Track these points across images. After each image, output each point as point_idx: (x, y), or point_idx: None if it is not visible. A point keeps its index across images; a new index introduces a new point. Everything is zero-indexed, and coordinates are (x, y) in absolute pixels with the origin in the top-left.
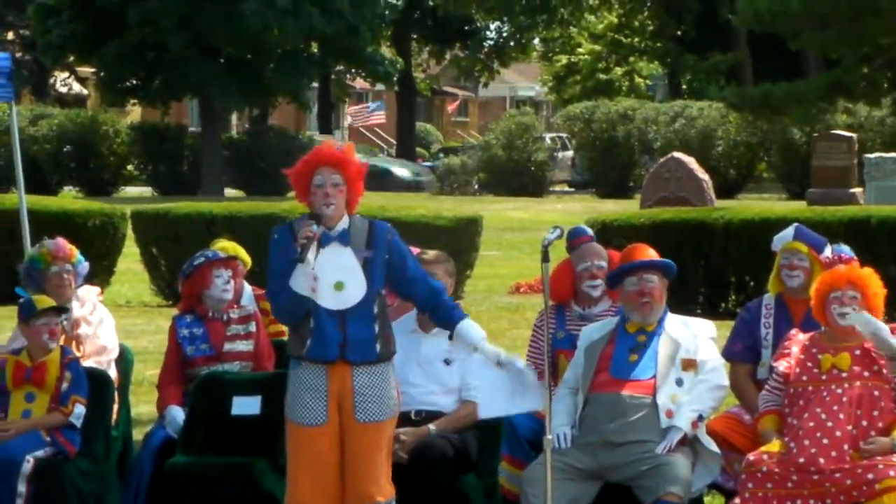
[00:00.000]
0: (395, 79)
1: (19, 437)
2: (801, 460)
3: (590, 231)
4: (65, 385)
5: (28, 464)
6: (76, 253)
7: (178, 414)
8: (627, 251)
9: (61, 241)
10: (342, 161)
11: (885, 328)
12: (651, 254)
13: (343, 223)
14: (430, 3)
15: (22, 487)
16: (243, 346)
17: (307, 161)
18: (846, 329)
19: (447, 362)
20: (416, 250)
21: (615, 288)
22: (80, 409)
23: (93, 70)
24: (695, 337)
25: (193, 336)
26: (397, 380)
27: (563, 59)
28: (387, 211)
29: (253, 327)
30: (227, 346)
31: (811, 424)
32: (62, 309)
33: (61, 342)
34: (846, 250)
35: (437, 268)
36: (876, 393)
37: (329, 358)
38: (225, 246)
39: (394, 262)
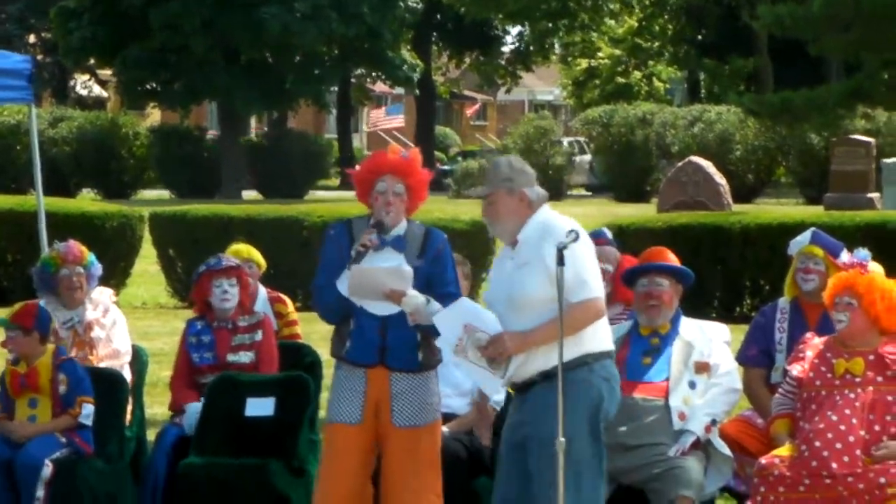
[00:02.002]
0: (415, 82)
1: (36, 441)
2: (814, 464)
3: (608, 234)
4: (62, 388)
5: (47, 468)
6: (88, 255)
7: (196, 410)
8: (646, 253)
9: (72, 244)
10: (407, 170)
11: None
12: (671, 258)
13: (399, 229)
14: (450, 8)
15: (40, 492)
16: (246, 357)
17: (372, 168)
18: (849, 334)
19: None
20: None
21: (631, 289)
22: (88, 409)
23: (113, 73)
24: (709, 340)
25: (200, 343)
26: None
27: (583, 64)
28: None
29: (259, 336)
30: (231, 357)
31: (823, 428)
32: (24, 329)
33: (74, 345)
34: (864, 255)
35: None
36: (889, 398)
37: (368, 362)
38: (239, 249)
39: (434, 271)
